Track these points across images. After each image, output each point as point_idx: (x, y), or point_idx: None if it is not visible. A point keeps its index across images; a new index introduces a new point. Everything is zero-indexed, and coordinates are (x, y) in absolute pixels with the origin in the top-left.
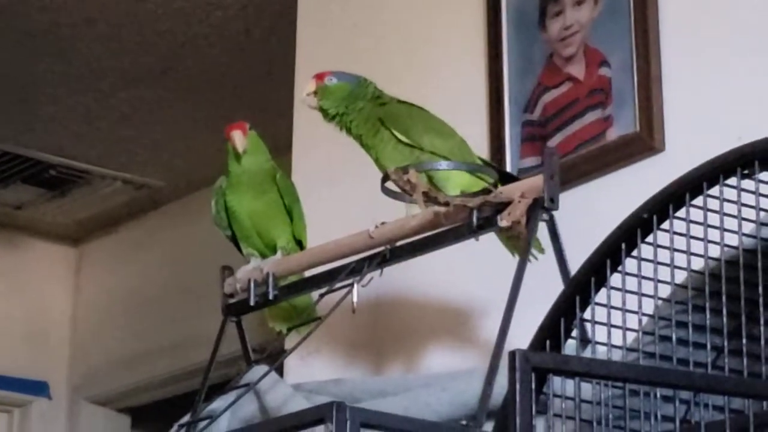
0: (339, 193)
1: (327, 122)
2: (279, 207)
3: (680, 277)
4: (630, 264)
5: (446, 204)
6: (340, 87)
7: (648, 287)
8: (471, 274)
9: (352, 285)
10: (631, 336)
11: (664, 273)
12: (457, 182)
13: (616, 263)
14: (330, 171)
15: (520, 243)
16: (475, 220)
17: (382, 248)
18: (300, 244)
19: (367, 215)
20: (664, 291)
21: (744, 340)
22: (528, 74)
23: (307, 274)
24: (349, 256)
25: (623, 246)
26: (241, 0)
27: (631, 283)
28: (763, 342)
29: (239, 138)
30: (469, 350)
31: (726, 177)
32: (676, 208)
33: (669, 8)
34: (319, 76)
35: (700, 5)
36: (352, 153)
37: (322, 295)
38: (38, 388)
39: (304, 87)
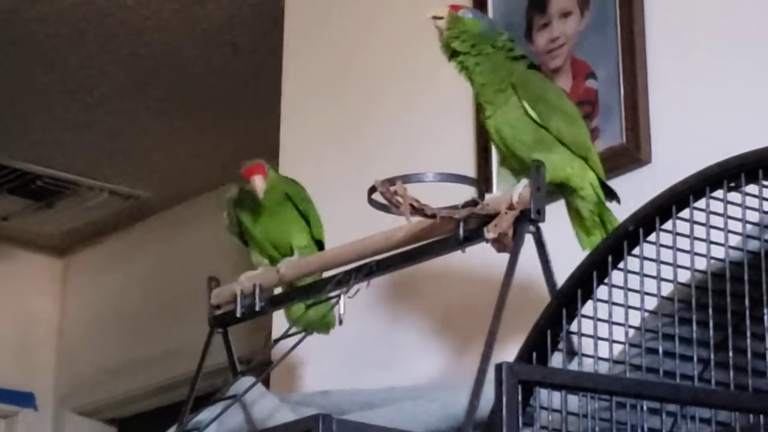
0: (325, 205)
1: (446, 59)
2: (294, 218)
3: (667, 289)
4: (616, 276)
5: (433, 216)
6: (472, 23)
7: (634, 299)
8: (458, 285)
9: (339, 296)
10: (617, 348)
11: (650, 285)
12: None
13: (603, 275)
14: (316, 184)
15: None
16: (461, 231)
17: (369, 259)
18: (320, 245)
19: (353, 229)
20: (651, 303)
21: (731, 353)
22: None
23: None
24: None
25: (610, 258)
26: (228, 12)
27: (618, 296)
28: (749, 354)
29: (260, 184)
30: (457, 362)
31: (712, 189)
32: (663, 221)
33: (655, 20)
34: (454, 7)
35: (686, 17)
36: (336, 166)
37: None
38: (24, 399)
39: (429, 10)
